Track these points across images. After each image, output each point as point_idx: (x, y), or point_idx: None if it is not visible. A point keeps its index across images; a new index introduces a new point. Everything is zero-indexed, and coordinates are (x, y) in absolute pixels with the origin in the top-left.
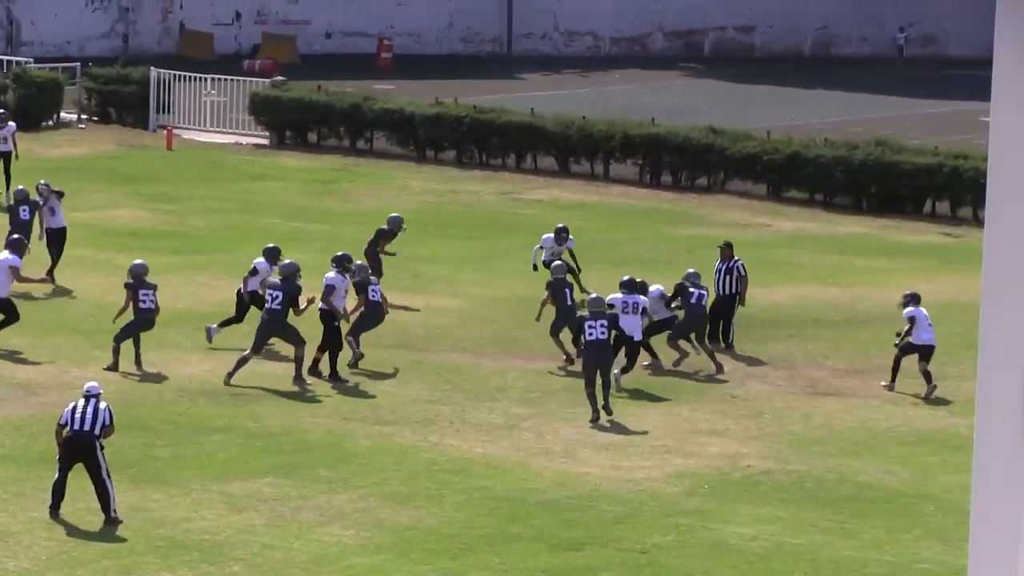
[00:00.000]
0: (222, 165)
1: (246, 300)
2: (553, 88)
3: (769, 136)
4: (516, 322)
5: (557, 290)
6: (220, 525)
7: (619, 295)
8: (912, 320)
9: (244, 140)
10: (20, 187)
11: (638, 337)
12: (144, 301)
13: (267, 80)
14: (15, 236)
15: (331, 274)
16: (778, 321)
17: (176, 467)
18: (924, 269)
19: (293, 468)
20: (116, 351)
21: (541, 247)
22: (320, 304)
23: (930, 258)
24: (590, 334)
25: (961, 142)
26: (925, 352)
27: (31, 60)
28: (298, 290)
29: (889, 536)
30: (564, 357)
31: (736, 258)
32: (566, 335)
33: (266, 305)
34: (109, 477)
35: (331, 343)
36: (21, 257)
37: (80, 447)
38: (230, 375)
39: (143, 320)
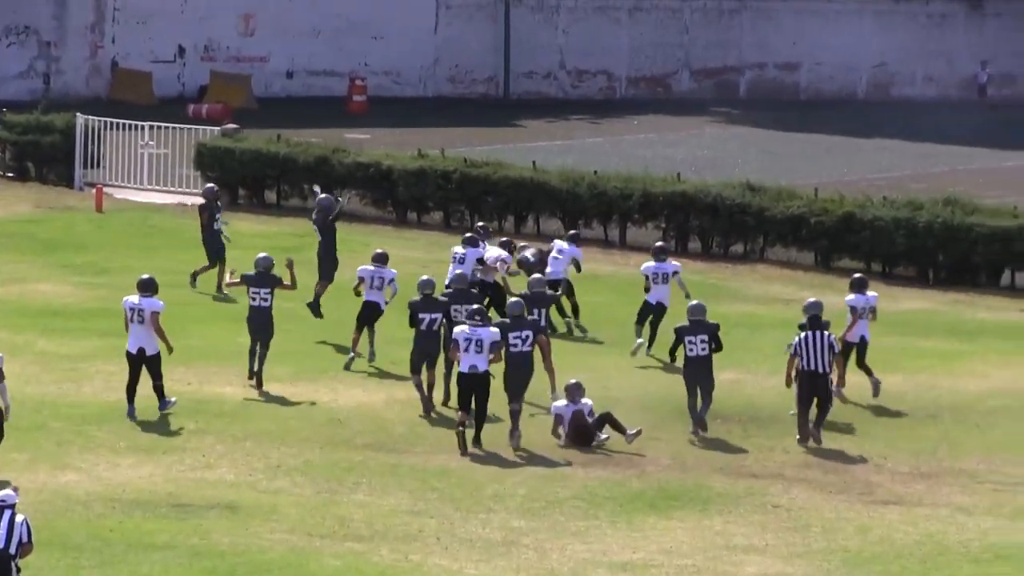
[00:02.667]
0: (162, 230)
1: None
2: (559, 137)
3: (817, 194)
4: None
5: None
6: None
7: (652, 263)
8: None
9: (189, 200)
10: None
11: (667, 303)
12: (254, 299)
13: (216, 128)
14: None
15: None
16: (829, 414)
17: None
18: (1002, 352)
19: None
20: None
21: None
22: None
23: (1009, 339)
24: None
25: None
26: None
27: None
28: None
29: None
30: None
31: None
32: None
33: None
34: None
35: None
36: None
37: None
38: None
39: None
